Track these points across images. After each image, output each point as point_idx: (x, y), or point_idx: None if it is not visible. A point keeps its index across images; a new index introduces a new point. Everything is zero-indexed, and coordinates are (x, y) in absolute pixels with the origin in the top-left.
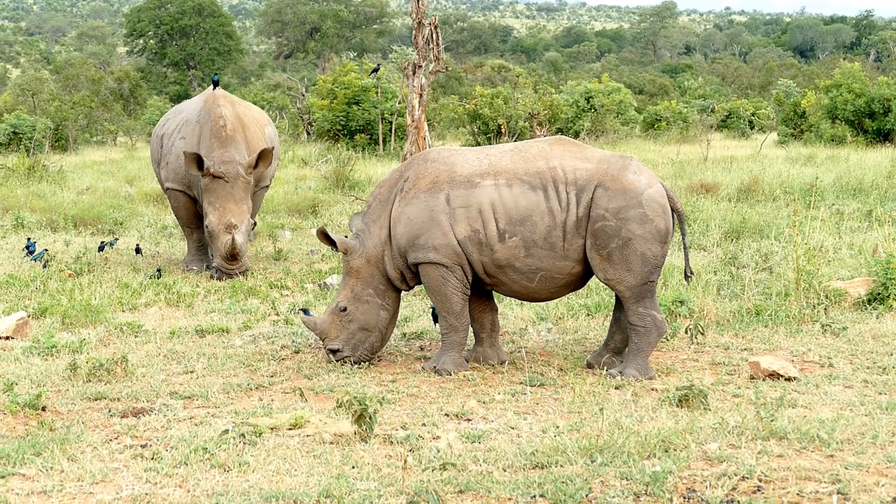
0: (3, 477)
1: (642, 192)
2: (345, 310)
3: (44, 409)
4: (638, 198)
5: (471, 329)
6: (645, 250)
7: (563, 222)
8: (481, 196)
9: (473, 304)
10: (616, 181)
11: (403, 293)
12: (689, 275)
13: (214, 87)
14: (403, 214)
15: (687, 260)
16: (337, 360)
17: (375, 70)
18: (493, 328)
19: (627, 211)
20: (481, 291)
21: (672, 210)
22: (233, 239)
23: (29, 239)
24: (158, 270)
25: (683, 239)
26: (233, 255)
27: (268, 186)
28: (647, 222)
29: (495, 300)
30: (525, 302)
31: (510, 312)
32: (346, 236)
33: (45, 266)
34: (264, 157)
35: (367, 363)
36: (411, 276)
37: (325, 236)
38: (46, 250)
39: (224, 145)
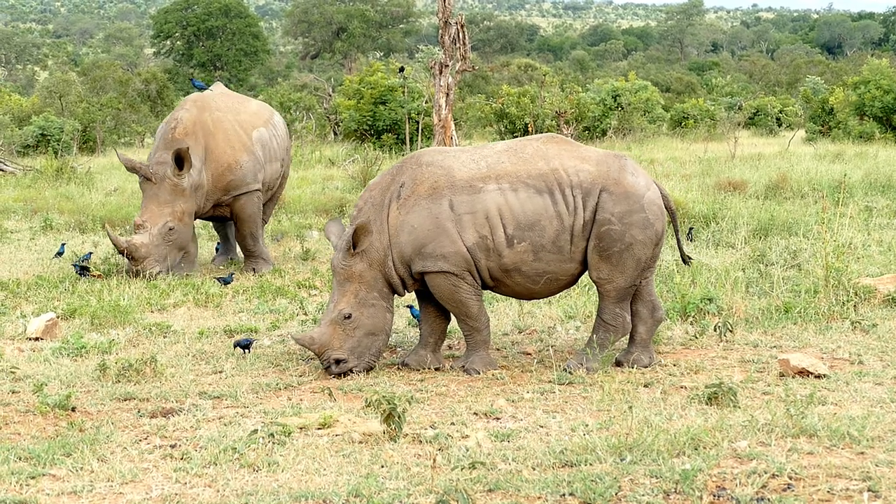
0: (33, 477)
1: (643, 196)
2: (349, 317)
3: (73, 409)
4: (640, 202)
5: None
6: (641, 255)
7: (571, 226)
8: (487, 201)
9: (432, 307)
10: (618, 184)
11: None
12: (687, 260)
13: (201, 90)
14: (406, 223)
15: (681, 248)
16: (340, 372)
17: (401, 70)
18: (441, 336)
19: (631, 216)
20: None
21: (666, 208)
22: (126, 239)
23: (62, 245)
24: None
25: (677, 234)
26: (120, 252)
27: (254, 192)
28: (648, 227)
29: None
30: (524, 300)
31: (538, 311)
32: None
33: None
34: (181, 156)
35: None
36: (412, 283)
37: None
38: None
39: (167, 148)
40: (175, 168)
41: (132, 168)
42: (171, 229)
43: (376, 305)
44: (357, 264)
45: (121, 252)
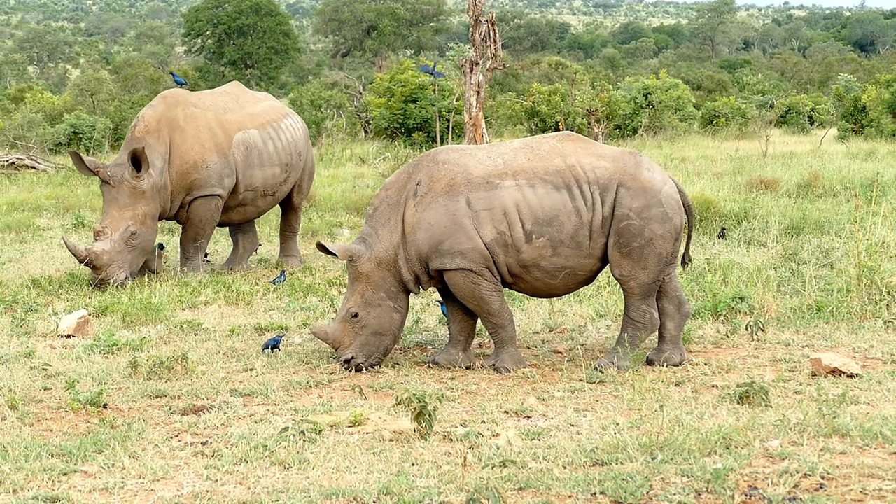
0: (65, 474)
1: (660, 190)
2: (356, 316)
3: (105, 406)
4: (657, 196)
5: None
6: (662, 249)
7: (590, 222)
8: (504, 197)
9: (459, 305)
10: (635, 180)
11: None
12: (686, 261)
13: (181, 85)
14: (423, 220)
15: (688, 247)
16: (350, 369)
17: (432, 72)
18: (471, 333)
19: (649, 210)
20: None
21: (683, 204)
22: (86, 248)
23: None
24: None
25: (689, 231)
26: (80, 261)
27: (214, 196)
28: (667, 221)
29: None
30: (542, 297)
31: (569, 309)
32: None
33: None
34: (136, 156)
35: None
36: (427, 280)
37: (323, 248)
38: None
39: (127, 147)
40: (132, 169)
41: (93, 171)
42: (133, 233)
43: (382, 306)
44: (363, 264)
45: (81, 261)
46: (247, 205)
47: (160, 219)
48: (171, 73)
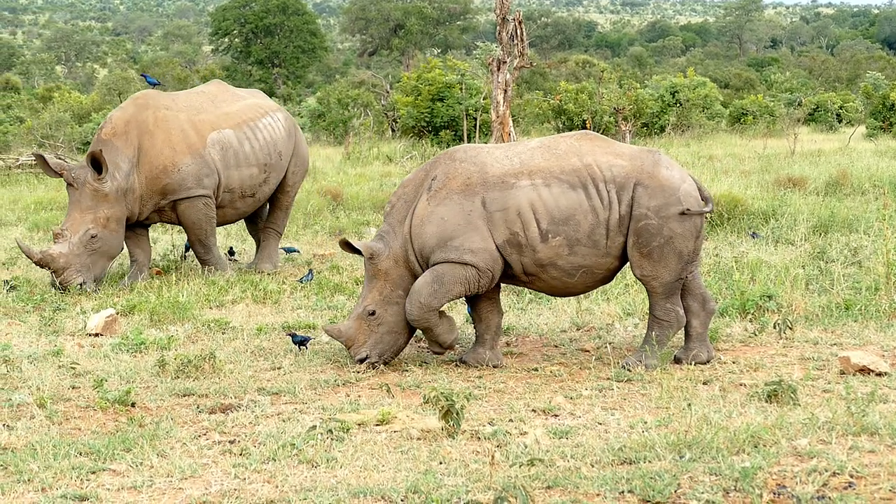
0: (93, 472)
1: (679, 188)
2: (373, 313)
3: (133, 405)
4: (676, 194)
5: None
6: (682, 248)
7: (607, 220)
8: (519, 197)
9: (483, 304)
10: (653, 178)
11: None
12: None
13: (153, 86)
14: (435, 214)
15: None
16: (362, 366)
17: None
18: (497, 331)
19: (668, 209)
20: (492, 291)
21: (703, 199)
22: (41, 250)
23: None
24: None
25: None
26: (36, 264)
27: (197, 198)
28: (686, 219)
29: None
30: (560, 296)
31: (596, 308)
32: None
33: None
34: (96, 159)
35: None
36: None
37: (348, 246)
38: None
39: (91, 148)
40: (93, 172)
41: (57, 172)
42: (93, 237)
43: (400, 304)
44: (382, 262)
45: (37, 264)
46: (225, 207)
47: (130, 222)
48: (142, 75)
